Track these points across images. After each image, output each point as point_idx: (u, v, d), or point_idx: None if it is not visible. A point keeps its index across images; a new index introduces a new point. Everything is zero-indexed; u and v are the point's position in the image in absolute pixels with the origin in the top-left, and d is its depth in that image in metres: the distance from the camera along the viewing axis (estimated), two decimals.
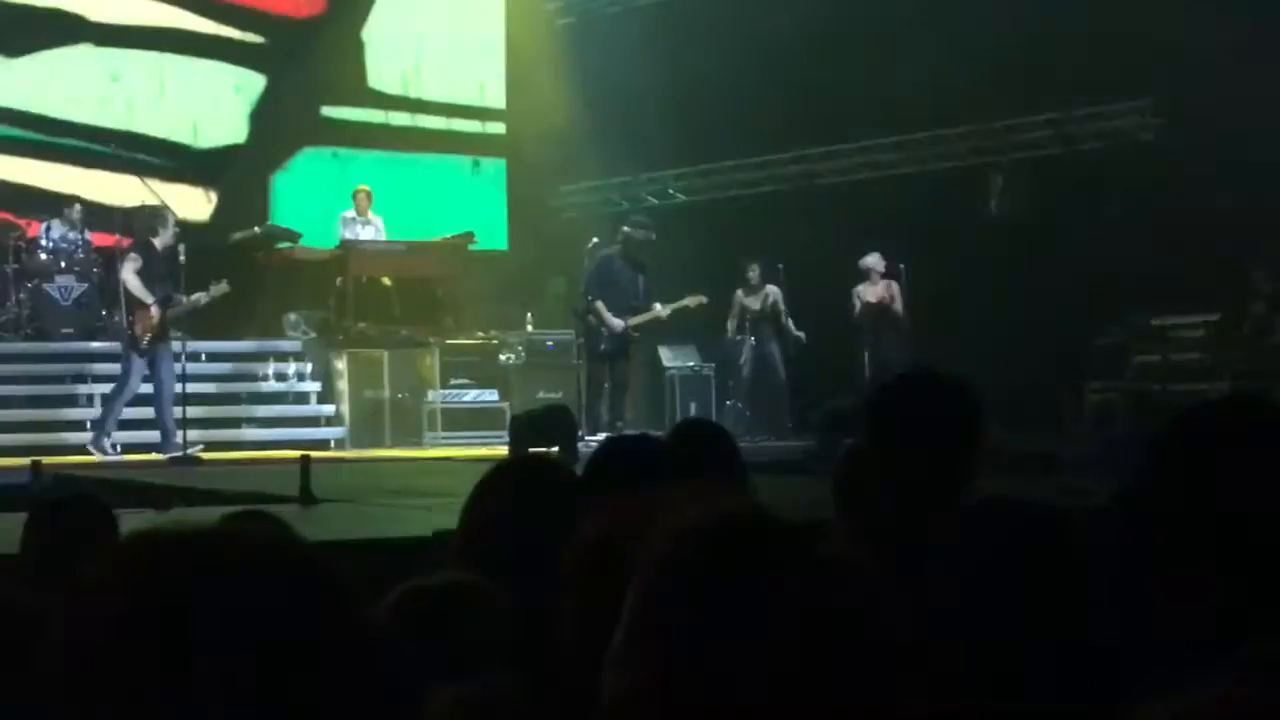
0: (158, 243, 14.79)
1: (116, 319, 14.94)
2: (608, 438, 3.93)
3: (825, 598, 1.46)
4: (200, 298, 14.78)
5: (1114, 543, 2.23)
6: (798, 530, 1.52)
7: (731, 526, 1.53)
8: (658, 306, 15.96)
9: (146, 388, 14.69)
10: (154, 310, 14.50)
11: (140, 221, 15.14)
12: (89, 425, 15.06)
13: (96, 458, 14.24)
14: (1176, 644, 2.06)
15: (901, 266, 16.33)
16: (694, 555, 1.49)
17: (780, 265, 16.94)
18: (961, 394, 3.39)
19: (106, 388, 16.05)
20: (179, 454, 14.14)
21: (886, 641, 1.48)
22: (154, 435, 15.06)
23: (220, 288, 14.93)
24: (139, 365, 14.55)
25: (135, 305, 14.51)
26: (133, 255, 14.69)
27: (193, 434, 14.38)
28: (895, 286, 16.40)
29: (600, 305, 15.85)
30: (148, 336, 14.48)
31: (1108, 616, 2.21)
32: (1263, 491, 2.10)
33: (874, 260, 16.41)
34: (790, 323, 17.07)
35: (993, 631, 2.31)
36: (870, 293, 16.52)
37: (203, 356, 16.21)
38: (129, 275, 14.53)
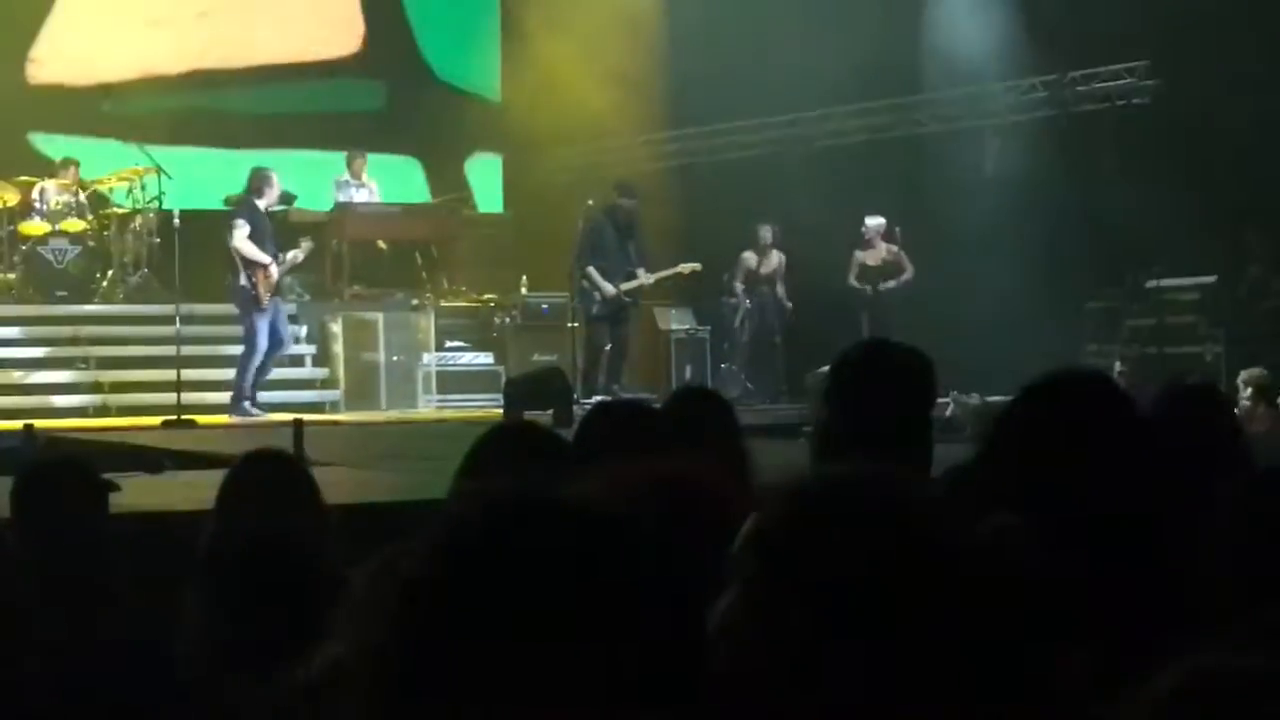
0: (262, 204, 14.93)
1: (229, 282, 14.95)
2: (596, 402, 3.93)
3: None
4: (297, 255, 14.98)
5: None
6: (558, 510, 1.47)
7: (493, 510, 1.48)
8: (641, 273, 15.91)
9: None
10: (273, 269, 14.67)
11: (249, 182, 15.19)
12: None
13: (239, 420, 14.27)
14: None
15: (897, 229, 16.31)
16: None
17: (778, 228, 16.93)
18: (914, 361, 3.41)
19: (100, 350, 16.07)
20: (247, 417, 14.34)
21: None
22: (148, 397, 15.07)
23: (308, 245, 15.10)
24: (264, 324, 14.71)
25: (253, 266, 14.61)
26: (239, 220, 14.76)
27: (186, 397, 14.35)
28: (896, 251, 16.37)
29: (593, 270, 15.81)
30: (268, 295, 14.65)
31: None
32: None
33: (875, 225, 16.37)
34: (782, 289, 17.07)
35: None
36: (871, 257, 16.49)
37: (198, 319, 16.18)
38: (240, 241, 14.64)
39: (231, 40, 19.16)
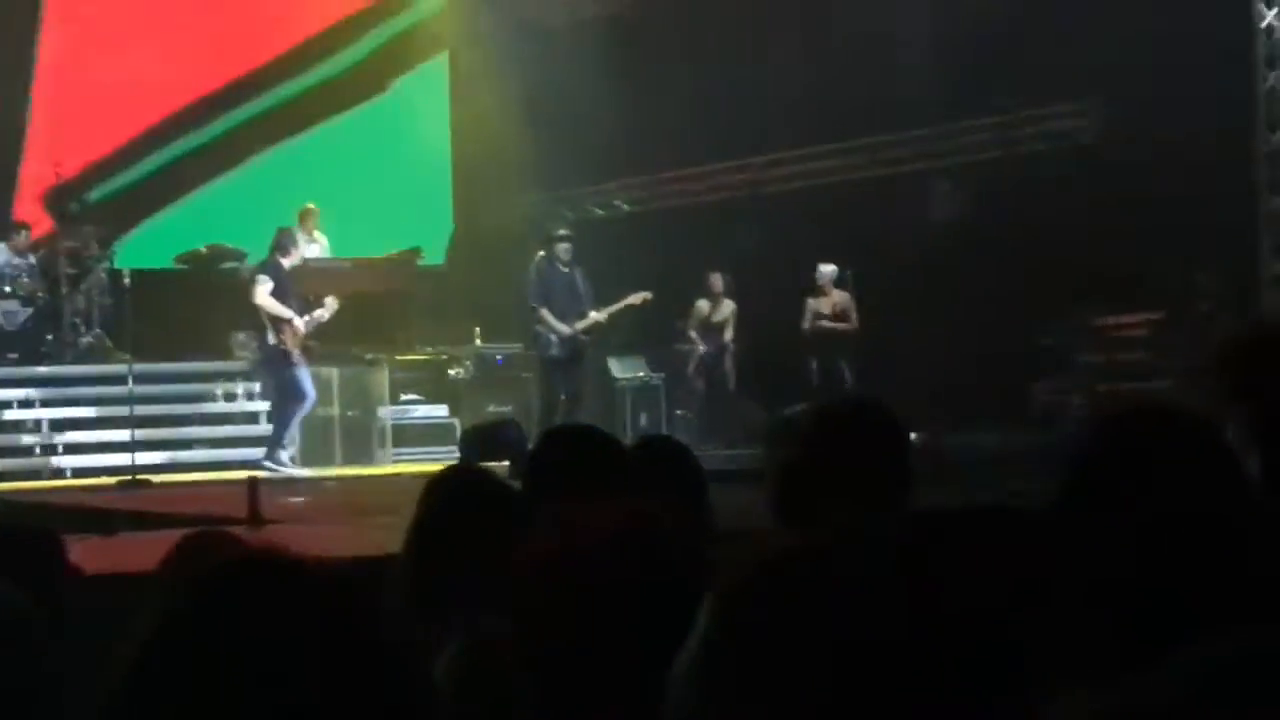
0: (286, 262, 15.17)
1: (258, 342, 15.31)
2: (544, 432, 3.95)
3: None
4: (323, 314, 15.27)
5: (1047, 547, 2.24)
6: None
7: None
8: (593, 312, 15.94)
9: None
10: (298, 323, 14.96)
11: (274, 241, 15.37)
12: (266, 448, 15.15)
13: (284, 474, 14.44)
14: (1095, 651, 2.07)
15: (848, 273, 16.38)
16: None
17: (728, 275, 17.00)
18: (881, 421, 3.43)
19: (52, 412, 15.99)
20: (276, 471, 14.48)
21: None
22: (102, 459, 15.01)
23: (333, 303, 15.37)
24: (304, 374, 15.02)
25: (278, 322, 14.86)
26: (262, 277, 15.07)
27: (140, 457, 14.28)
28: (847, 298, 16.43)
29: (545, 312, 15.82)
30: (296, 350, 14.92)
31: (1034, 622, 2.21)
32: (1172, 497, 2.12)
33: (829, 272, 16.42)
34: (729, 334, 17.14)
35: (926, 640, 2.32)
36: (824, 304, 16.54)
37: (151, 378, 16.11)
38: (263, 298, 14.94)
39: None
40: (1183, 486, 2.14)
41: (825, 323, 16.51)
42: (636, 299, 16.34)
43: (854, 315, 16.38)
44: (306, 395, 15.07)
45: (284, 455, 14.96)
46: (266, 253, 15.46)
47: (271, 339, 14.97)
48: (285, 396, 15.10)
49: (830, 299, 16.51)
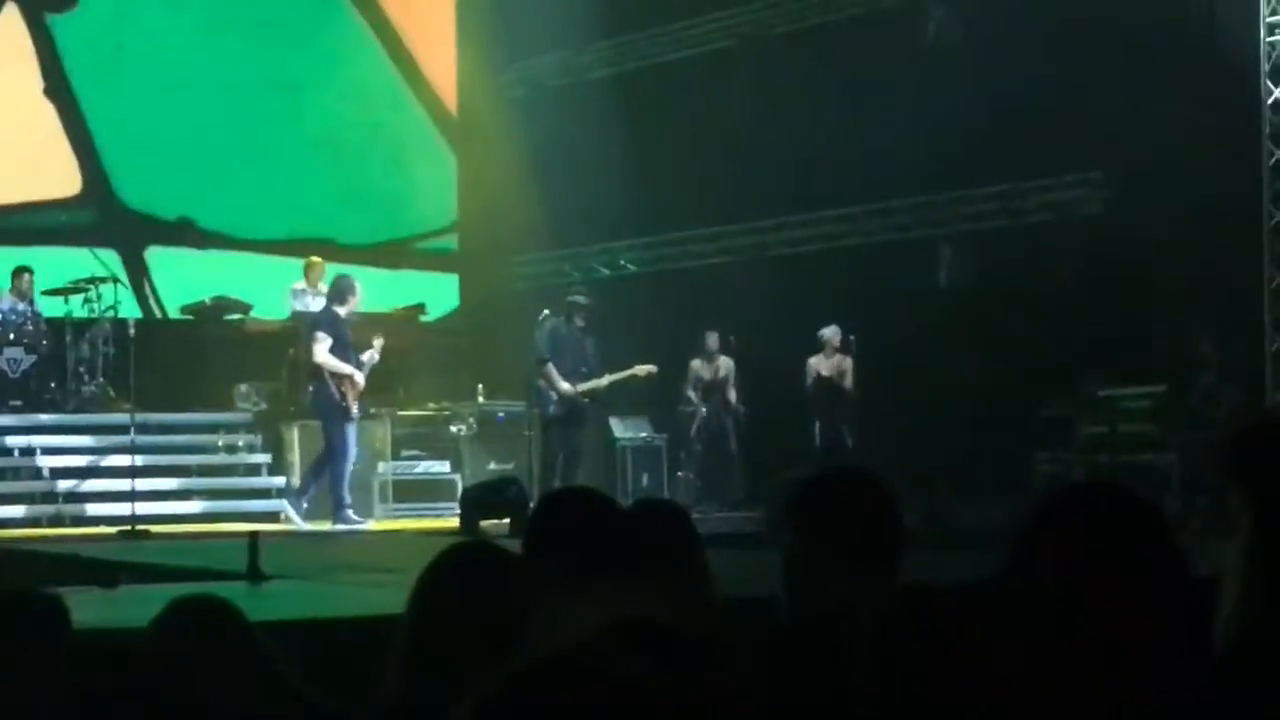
0: (342, 311, 15.19)
1: (313, 389, 15.29)
2: (544, 495, 3.95)
3: None
4: (373, 355, 15.32)
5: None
6: None
7: None
8: (596, 379, 15.90)
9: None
10: (358, 377, 15.02)
11: (331, 290, 15.44)
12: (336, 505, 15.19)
13: (343, 527, 14.67)
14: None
15: (851, 338, 16.39)
16: None
17: (731, 337, 17.00)
18: (873, 492, 3.44)
19: (54, 460, 15.99)
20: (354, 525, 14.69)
21: None
22: (102, 507, 15.01)
23: (379, 343, 15.41)
24: (354, 431, 15.10)
25: (339, 377, 14.91)
26: (320, 335, 15.06)
27: (141, 507, 14.28)
28: (848, 361, 16.43)
29: (551, 369, 15.80)
30: (355, 404, 15.00)
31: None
32: (1099, 573, 2.17)
33: (831, 333, 16.43)
34: (734, 394, 17.10)
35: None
36: (824, 365, 16.54)
37: (153, 428, 16.13)
38: (322, 355, 14.98)
39: None
40: (1120, 565, 2.20)
41: (822, 388, 16.46)
42: (641, 371, 16.32)
43: (850, 378, 16.37)
44: (349, 455, 15.14)
45: (349, 512, 14.99)
46: (325, 303, 15.48)
47: (334, 392, 14.95)
48: (334, 452, 15.10)
49: (832, 361, 16.49)
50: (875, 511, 3.39)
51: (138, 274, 18.94)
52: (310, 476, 15.39)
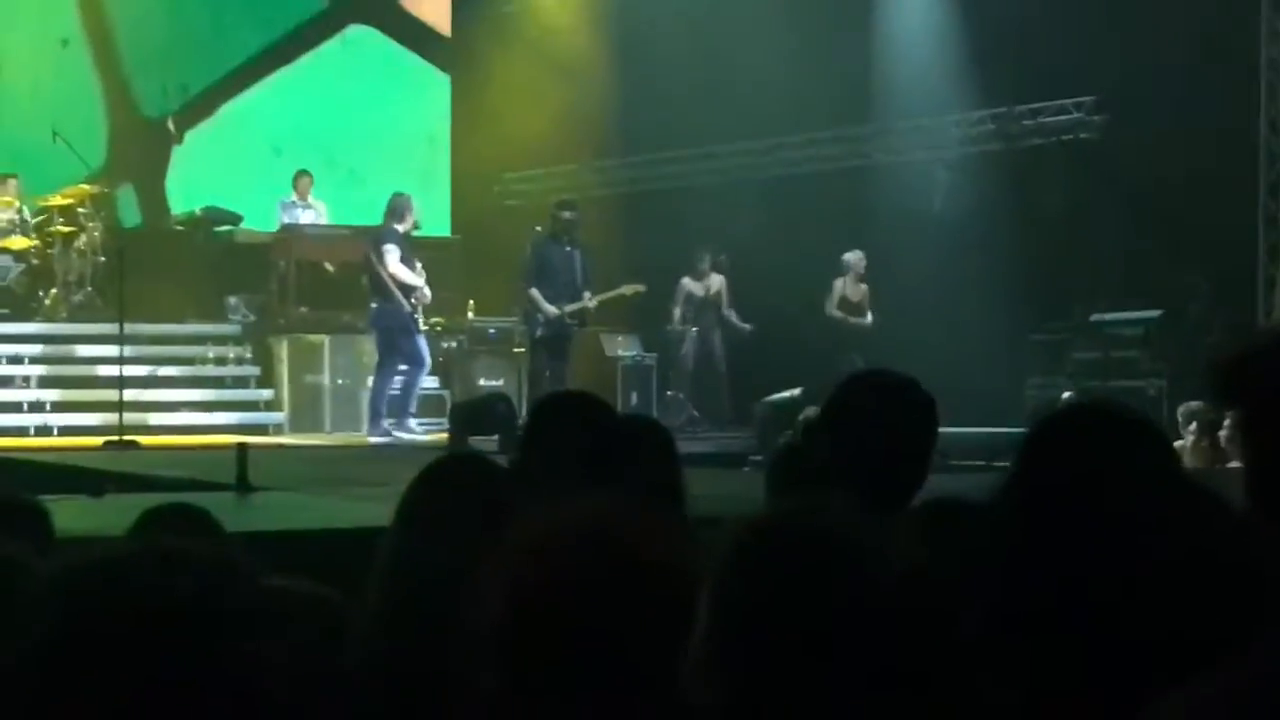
0: (401, 228, 15.20)
1: (376, 307, 15.24)
2: (542, 397, 3.93)
3: None
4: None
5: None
6: None
7: None
8: (587, 296, 15.85)
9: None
10: (427, 291, 15.16)
11: (389, 207, 15.42)
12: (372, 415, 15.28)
13: (407, 438, 14.70)
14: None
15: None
16: None
17: (723, 255, 16.93)
18: (921, 398, 3.41)
19: (42, 369, 15.96)
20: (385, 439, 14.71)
21: None
22: (90, 418, 14.99)
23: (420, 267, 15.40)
24: (424, 342, 15.22)
25: (408, 289, 15.00)
26: (389, 245, 15.06)
27: (129, 417, 14.26)
28: (867, 291, 16.31)
29: (535, 292, 15.72)
30: (421, 318, 15.15)
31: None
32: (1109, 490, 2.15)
33: (855, 258, 16.29)
34: (733, 314, 17.04)
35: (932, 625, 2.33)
36: (854, 291, 16.37)
37: (142, 339, 16.09)
38: (395, 265, 14.99)
39: None
40: (1120, 480, 2.18)
41: (839, 313, 16.32)
42: (629, 290, 16.26)
43: (868, 310, 16.25)
44: (426, 361, 15.25)
45: (411, 421, 15.04)
46: (381, 219, 15.43)
47: (401, 305, 14.96)
48: (411, 362, 15.14)
49: (859, 288, 16.34)
50: (919, 413, 3.35)
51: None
52: (381, 396, 15.27)
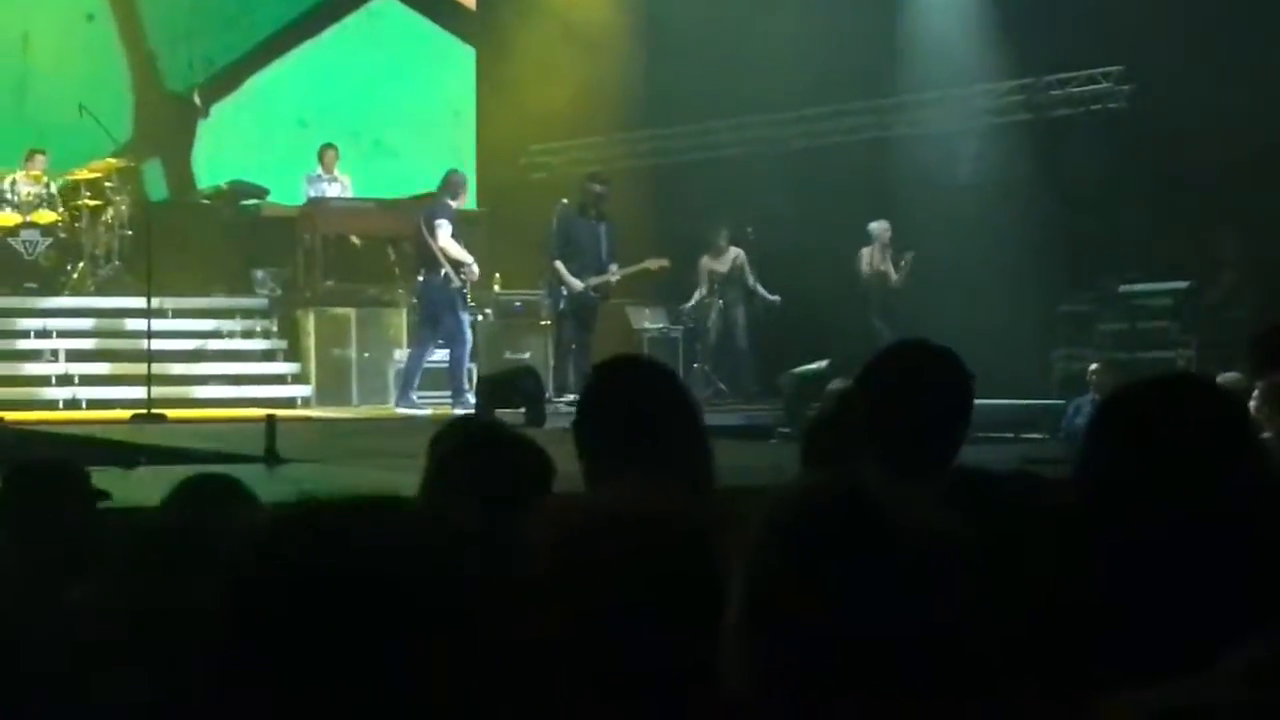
0: (454, 205, 15.26)
1: (423, 280, 15.34)
2: (598, 365, 3.88)
3: None
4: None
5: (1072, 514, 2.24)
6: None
7: None
8: (613, 268, 15.85)
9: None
10: (475, 267, 15.21)
11: (444, 182, 15.52)
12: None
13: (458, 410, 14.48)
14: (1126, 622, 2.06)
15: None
16: None
17: (749, 229, 16.90)
18: (958, 368, 3.39)
19: (70, 343, 16.00)
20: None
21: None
22: (117, 391, 15.05)
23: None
24: (468, 318, 15.28)
25: (457, 265, 15.05)
26: (443, 220, 15.14)
27: (156, 391, 14.30)
28: (895, 259, 16.30)
29: (560, 265, 15.75)
30: (469, 294, 15.20)
31: (1071, 591, 2.21)
32: (1190, 469, 2.10)
33: (880, 227, 16.27)
34: (760, 287, 17.01)
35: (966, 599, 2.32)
36: (881, 260, 16.36)
37: (169, 312, 16.13)
38: (447, 240, 15.07)
39: None
40: (1199, 458, 2.13)
41: (874, 280, 16.30)
42: (654, 264, 16.27)
43: (893, 275, 16.23)
44: (469, 339, 15.26)
45: (468, 396, 14.89)
46: (436, 191, 15.52)
47: (455, 280, 15.01)
48: (453, 339, 15.16)
49: (882, 255, 16.32)
50: (955, 384, 3.34)
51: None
52: (413, 368, 15.30)
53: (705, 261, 17.19)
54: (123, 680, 3.08)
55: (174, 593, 2.99)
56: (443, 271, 15.03)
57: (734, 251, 17.08)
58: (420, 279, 15.34)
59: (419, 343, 15.38)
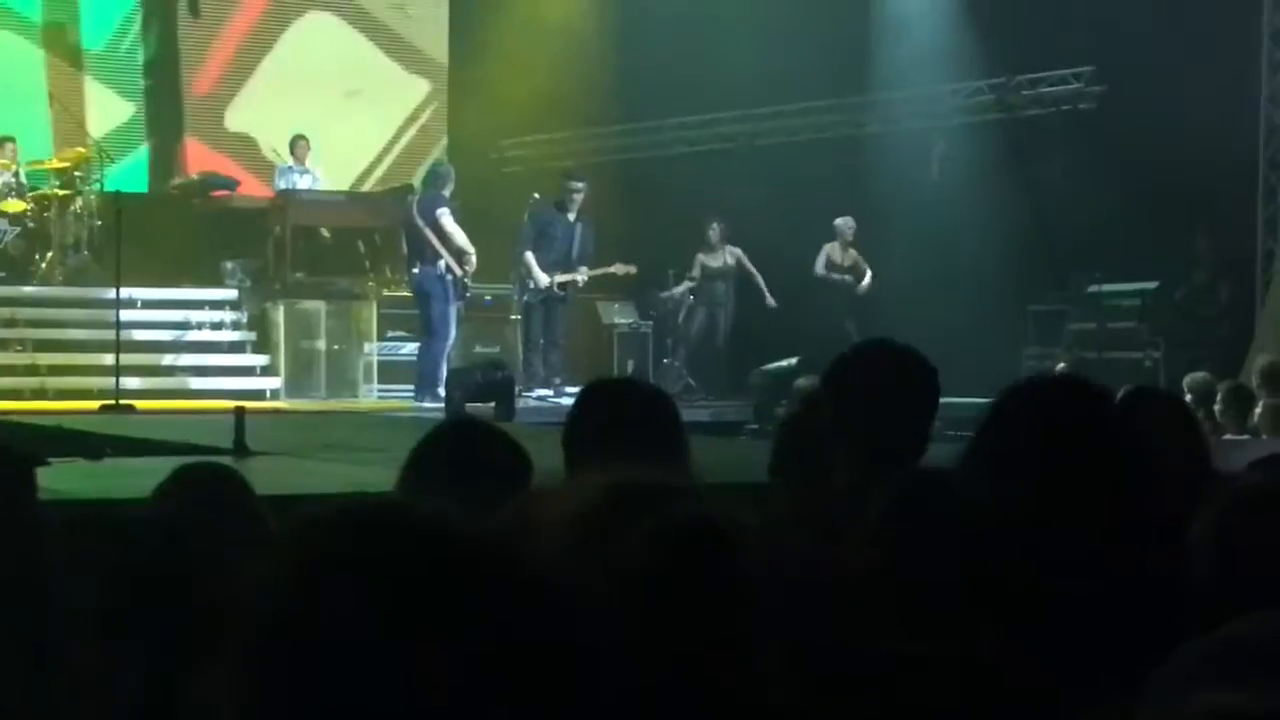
0: (446, 194, 15.28)
1: (418, 271, 15.30)
2: (587, 385, 3.86)
3: None
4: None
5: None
6: None
7: None
8: (582, 269, 15.86)
9: None
10: (474, 258, 15.09)
11: (435, 176, 15.64)
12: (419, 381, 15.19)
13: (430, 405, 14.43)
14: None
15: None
16: None
17: (724, 225, 16.91)
18: (924, 367, 3.40)
19: (38, 332, 15.92)
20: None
21: None
22: (86, 381, 14.98)
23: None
24: (454, 312, 15.24)
25: (460, 253, 15.01)
26: (444, 208, 15.16)
27: (125, 381, 14.24)
28: (854, 254, 16.35)
29: (530, 257, 15.76)
30: (468, 282, 15.20)
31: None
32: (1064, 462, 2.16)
33: (844, 223, 16.36)
34: (763, 284, 16.91)
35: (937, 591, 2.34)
36: (842, 256, 16.43)
37: (138, 303, 16.06)
38: (454, 227, 15.11)
39: None
40: (1075, 453, 2.20)
41: (835, 275, 16.40)
42: (621, 270, 16.29)
43: (861, 272, 16.29)
44: (452, 332, 15.24)
45: (442, 390, 14.70)
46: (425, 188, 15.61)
47: (442, 272, 15.01)
48: (434, 332, 15.11)
49: (848, 252, 16.41)
50: (921, 383, 3.35)
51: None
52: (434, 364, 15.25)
53: (702, 258, 17.21)
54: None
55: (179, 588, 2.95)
56: (441, 262, 15.00)
57: (729, 249, 17.09)
58: (415, 271, 15.32)
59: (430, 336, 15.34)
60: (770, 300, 16.73)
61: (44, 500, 4.01)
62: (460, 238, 15.13)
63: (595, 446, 3.26)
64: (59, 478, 5.89)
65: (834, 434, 3.28)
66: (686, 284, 17.22)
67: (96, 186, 16.81)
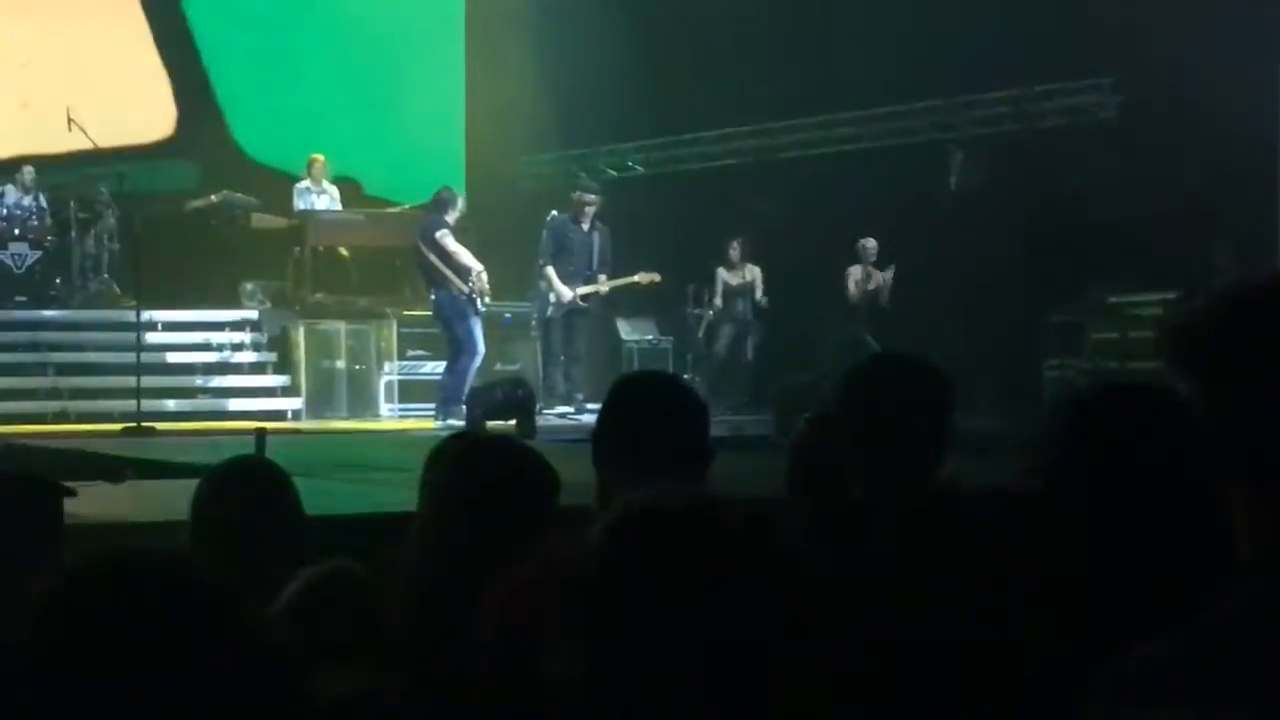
0: (450, 219, 15.28)
1: (435, 298, 15.38)
2: (622, 377, 3.87)
3: None
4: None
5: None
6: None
7: None
8: (602, 279, 15.88)
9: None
10: (485, 275, 15.14)
11: (439, 199, 15.62)
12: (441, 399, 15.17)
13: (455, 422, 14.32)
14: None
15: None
16: None
17: (745, 241, 16.90)
18: (937, 379, 3.39)
19: (59, 356, 15.95)
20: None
21: None
22: (107, 404, 15.02)
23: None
24: (479, 327, 15.21)
25: (466, 272, 15.07)
26: (444, 231, 15.23)
27: (146, 404, 14.27)
28: (880, 276, 16.33)
29: (550, 271, 15.78)
30: (480, 299, 15.18)
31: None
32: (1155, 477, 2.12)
33: (870, 244, 16.34)
34: (765, 300, 16.94)
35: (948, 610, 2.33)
36: (866, 277, 16.38)
37: (159, 325, 16.10)
38: (455, 246, 15.19)
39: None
40: (1166, 466, 2.15)
41: (862, 298, 16.36)
42: (644, 279, 16.25)
43: (885, 294, 16.27)
44: (480, 349, 15.18)
45: (463, 408, 14.73)
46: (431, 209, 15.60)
47: (465, 288, 15.04)
48: (461, 349, 15.11)
49: (876, 276, 16.37)
50: (935, 395, 3.33)
51: None
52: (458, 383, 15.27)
53: (722, 274, 17.21)
54: None
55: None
56: (450, 284, 15.04)
57: (749, 267, 17.07)
58: (433, 297, 15.40)
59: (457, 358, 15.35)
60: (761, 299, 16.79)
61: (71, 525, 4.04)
62: (464, 255, 15.15)
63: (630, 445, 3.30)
64: (80, 503, 5.88)
65: (849, 448, 3.26)
66: (715, 302, 17.19)
67: (116, 209, 16.82)
